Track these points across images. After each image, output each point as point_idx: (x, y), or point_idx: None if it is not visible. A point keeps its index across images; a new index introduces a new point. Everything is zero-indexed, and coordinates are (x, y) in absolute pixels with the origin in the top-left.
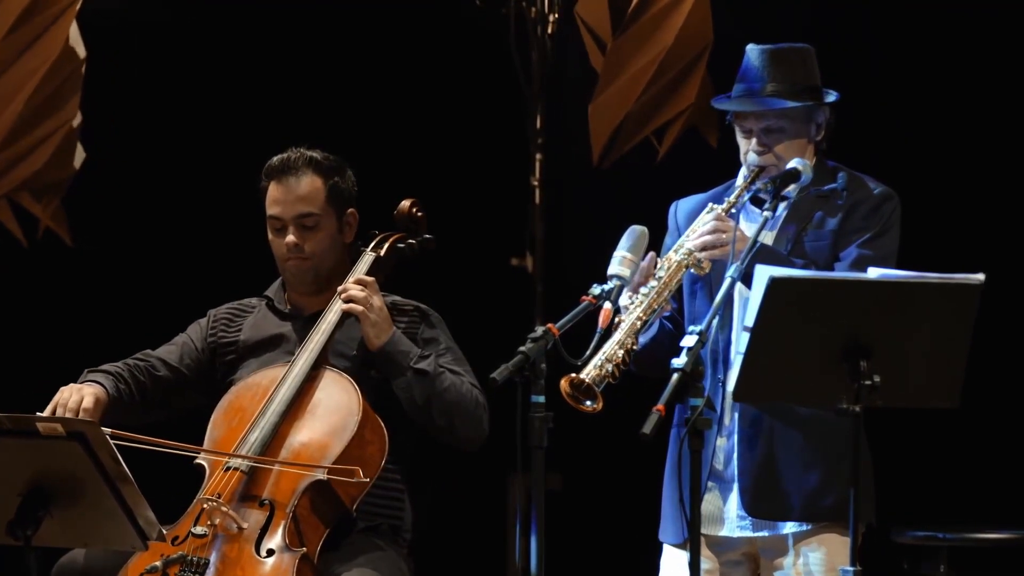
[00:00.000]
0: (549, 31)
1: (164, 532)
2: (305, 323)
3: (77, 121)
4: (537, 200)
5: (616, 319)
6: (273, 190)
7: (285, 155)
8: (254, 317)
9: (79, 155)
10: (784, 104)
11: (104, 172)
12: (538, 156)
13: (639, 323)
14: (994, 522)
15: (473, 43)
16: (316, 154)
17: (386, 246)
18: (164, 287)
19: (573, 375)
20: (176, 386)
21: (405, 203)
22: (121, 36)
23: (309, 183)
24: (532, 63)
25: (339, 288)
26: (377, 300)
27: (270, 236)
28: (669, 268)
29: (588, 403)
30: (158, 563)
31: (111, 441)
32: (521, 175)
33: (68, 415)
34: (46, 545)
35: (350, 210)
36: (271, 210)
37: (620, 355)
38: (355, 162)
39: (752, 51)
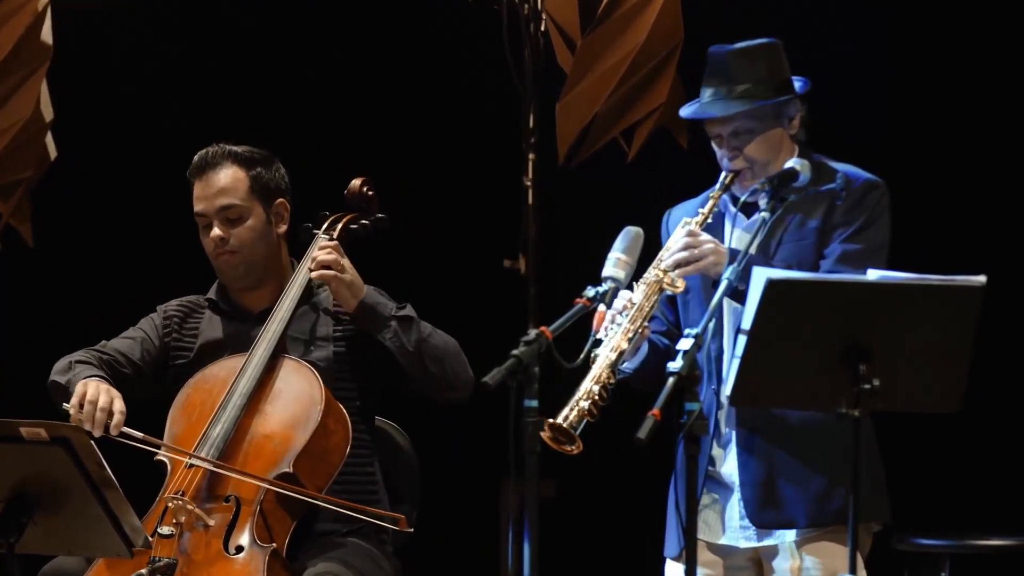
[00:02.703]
0: (543, 28)
1: (150, 539)
2: (256, 322)
3: (49, 117)
4: (530, 201)
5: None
6: (196, 189)
7: (203, 151)
8: (204, 322)
9: (52, 151)
10: (739, 108)
11: (76, 169)
12: (531, 156)
13: (615, 355)
14: (996, 529)
15: (466, 41)
16: (237, 148)
17: (339, 227)
18: (131, 286)
19: (551, 420)
20: (132, 381)
21: (356, 182)
22: (98, 32)
23: (231, 174)
24: (524, 61)
25: (310, 261)
26: (345, 260)
27: (201, 237)
28: (645, 292)
29: (569, 446)
30: (144, 571)
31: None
32: (514, 175)
33: (100, 414)
34: (29, 552)
35: (279, 200)
36: (196, 208)
37: (596, 391)
38: (346, 162)
39: (713, 54)
